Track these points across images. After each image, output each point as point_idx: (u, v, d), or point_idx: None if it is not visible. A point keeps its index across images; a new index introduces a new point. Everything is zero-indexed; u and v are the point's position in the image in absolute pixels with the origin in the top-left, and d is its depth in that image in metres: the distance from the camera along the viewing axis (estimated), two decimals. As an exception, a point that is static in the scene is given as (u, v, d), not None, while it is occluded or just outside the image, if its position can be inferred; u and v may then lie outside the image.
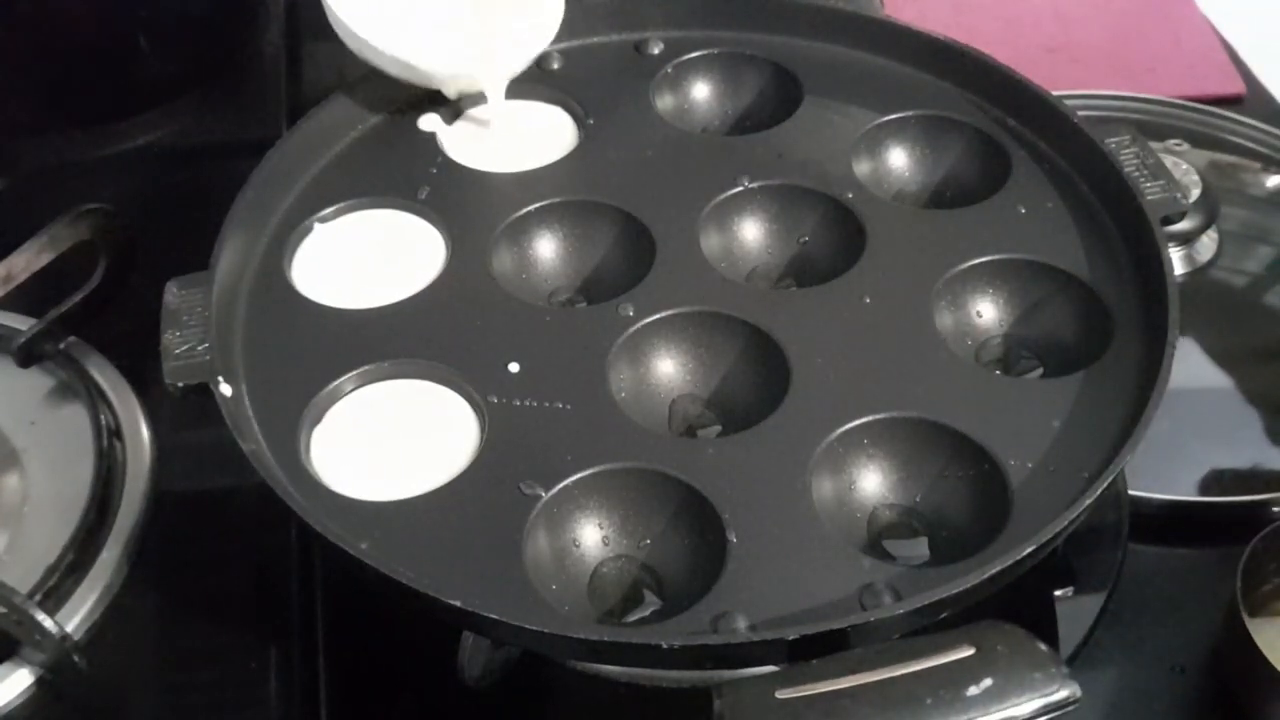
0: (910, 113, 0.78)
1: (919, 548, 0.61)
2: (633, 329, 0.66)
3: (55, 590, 0.68)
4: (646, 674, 0.63)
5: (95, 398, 0.76)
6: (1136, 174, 0.70)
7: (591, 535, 0.60)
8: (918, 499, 0.62)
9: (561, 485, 0.60)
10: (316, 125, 0.76)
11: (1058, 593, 0.70)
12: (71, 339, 0.78)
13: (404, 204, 0.74)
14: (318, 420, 0.64)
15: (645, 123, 0.79)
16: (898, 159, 0.78)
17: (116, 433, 0.75)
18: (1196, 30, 1.11)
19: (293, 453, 0.62)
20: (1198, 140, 0.96)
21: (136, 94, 1.04)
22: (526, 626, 0.53)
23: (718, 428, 0.65)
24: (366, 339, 0.67)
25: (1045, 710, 0.48)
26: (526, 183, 0.75)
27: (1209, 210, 0.87)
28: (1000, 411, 0.63)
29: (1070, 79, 1.01)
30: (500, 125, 0.79)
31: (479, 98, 0.80)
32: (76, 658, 0.65)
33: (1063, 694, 0.48)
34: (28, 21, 1.06)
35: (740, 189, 0.74)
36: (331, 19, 0.76)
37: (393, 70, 0.77)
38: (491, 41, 0.78)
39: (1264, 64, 1.07)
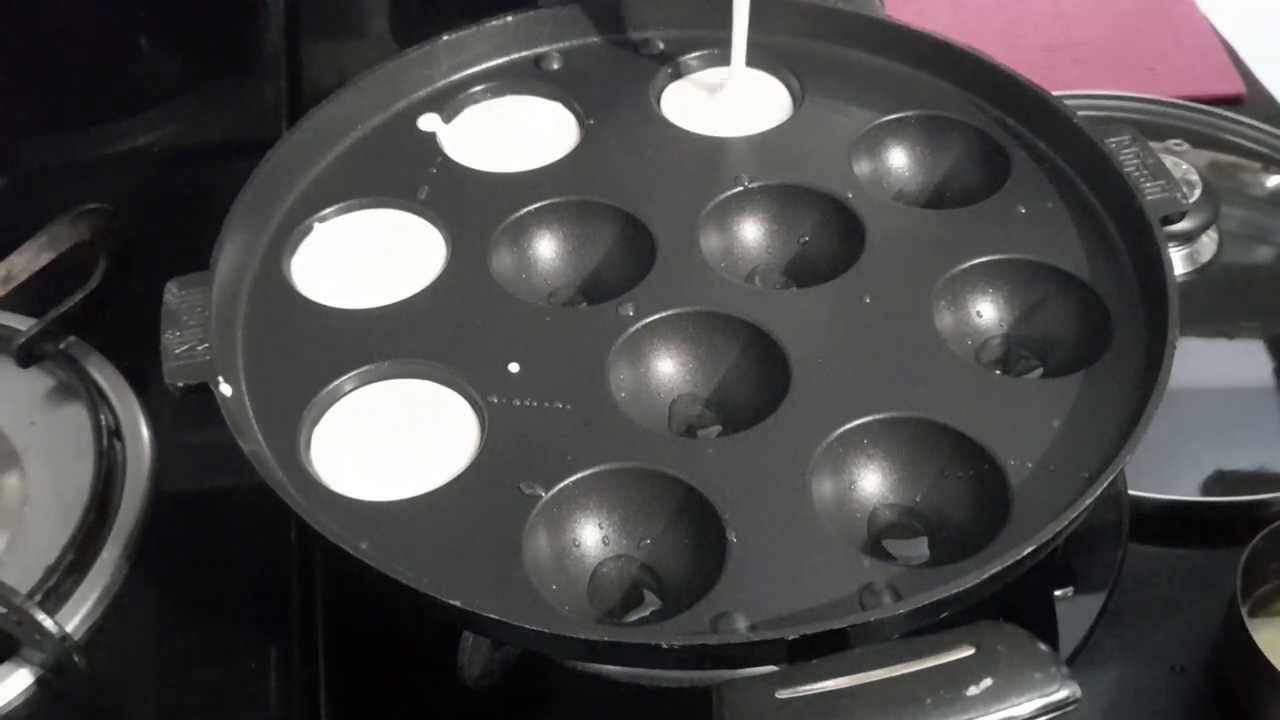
0: (910, 113, 0.78)
1: (919, 548, 0.61)
2: (633, 329, 0.66)
3: (55, 590, 0.68)
4: (646, 674, 0.63)
5: (95, 398, 0.76)
6: (1136, 174, 0.70)
7: (591, 535, 0.60)
8: (918, 499, 0.62)
9: (561, 485, 0.60)
10: (316, 125, 0.76)
11: (1058, 593, 0.70)
12: (71, 339, 0.78)
13: (404, 204, 0.74)
14: (317, 420, 0.64)
15: (645, 123, 0.79)
16: (898, 159, 0.78)
17: (116, 433, 0.75)
18: (1196, 30, 1.11)
19: (293, 453, 0.62)
20: (1198, 140, 0.96)
21: (136, 94, 1.04)
22: (526, 626, 0.53)
23: (718, 428, 0.65)
24: (366, 339, 0.67)
25: (1045, 710, 0.48)
26: (526, 183, 0.75)
27: (1209, 210, 0.87)
28: (1000, 411, 0.63)
29: (1070, 79, 1.01)
30: (500, 125, 0.79)
31: (478, 96, 0.80)
32: (76, 658, 0.65)
33: (1063, 694, 0.48)
34: (28, 21, 1.06)
35: (740, 189, 0.74)
36: None
37: None
38: None
39: (1264, 64, 1.07)
